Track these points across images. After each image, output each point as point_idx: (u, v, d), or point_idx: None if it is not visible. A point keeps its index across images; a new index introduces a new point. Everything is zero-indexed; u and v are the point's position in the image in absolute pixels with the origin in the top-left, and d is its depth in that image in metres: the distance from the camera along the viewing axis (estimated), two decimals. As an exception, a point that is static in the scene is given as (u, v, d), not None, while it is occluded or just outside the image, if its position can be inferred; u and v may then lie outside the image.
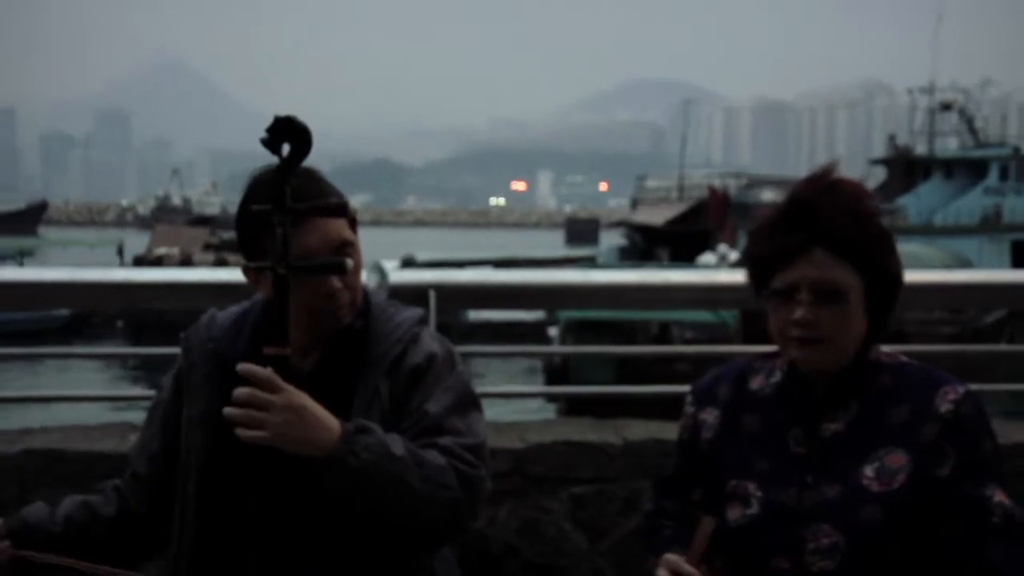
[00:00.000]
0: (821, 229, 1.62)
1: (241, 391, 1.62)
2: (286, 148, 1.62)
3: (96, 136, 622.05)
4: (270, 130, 1.60)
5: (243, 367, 1.63)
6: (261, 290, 1.88)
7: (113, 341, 23.27)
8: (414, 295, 3.56)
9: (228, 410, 1.62)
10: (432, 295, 3.63)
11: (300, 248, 1.70)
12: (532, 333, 17.08)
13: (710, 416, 1.79)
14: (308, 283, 1.74)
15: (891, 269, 1.68)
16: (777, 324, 1.67)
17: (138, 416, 2.04)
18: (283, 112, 1.59)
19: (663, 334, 13.05)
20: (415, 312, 1.93)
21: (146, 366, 15.12)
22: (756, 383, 1.78)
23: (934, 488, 1.61)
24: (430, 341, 1.88)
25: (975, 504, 1.60)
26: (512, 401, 10.08)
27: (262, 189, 1.73)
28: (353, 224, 1.86)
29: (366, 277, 3.58)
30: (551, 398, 11.48)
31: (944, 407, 1.62)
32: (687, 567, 1.61)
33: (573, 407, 8.08)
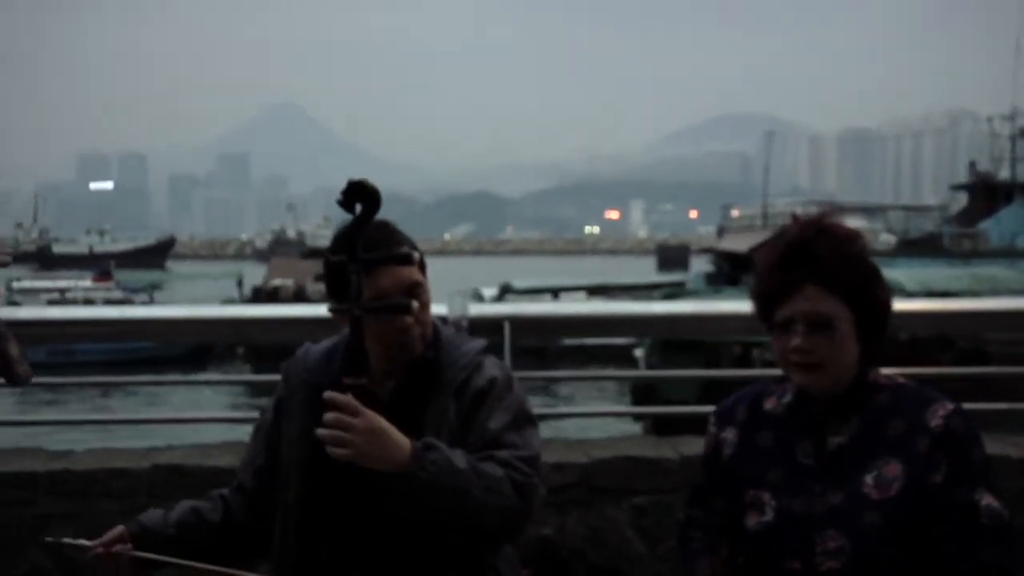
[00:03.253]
0: (812, 268, 1.80)
1: (328, 416, 1.83)
2: (359, 207, 1.82)
3: (218, 176, 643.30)
4: (345, 192, 1.83)
5: (328, 395, 1.84)
6: (344, 327, 2.04)
7: (233, 367, 24.07)
8: (491, 326, 3.91)
9: (320, 432, 1.83)
10: (507, 326, 3.98)
11: (375, 290, 1.93)
12: (620, 355, 17.37)
13: (730, 434, 1.96)
14: (382, 321, 1.96)
15: (879, 301, 1.85)
16: (779, 351, 1.85)
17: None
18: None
19: (745, 355, 13.24)
20: (479, 342, 2.14)
21: (260, 391, 15.99)
22: (769, 404, 1.95)
23: (928, 494, 1.75)
24: (491, 367, 2.08)
25: (965, 508, 1.74)
26: (593, 419, 10.55)
27: (341, 242, 1.93)
28: (422, 267, 2.10)
29: (453, 306, 3.98)
30: (637, 417, 11.86)
31: (935, 422, 1.78)
32: None
33: (657, 426, 8.40)
